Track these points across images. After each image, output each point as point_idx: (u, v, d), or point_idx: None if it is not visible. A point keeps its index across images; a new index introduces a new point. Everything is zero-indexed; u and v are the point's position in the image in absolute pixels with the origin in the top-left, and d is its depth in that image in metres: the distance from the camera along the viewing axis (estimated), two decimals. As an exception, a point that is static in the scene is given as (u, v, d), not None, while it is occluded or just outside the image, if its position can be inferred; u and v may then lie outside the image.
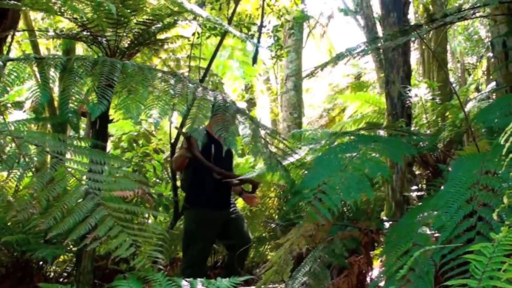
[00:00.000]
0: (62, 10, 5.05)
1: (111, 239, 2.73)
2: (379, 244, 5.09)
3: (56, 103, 9.25)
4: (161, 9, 5.12)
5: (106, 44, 5.34)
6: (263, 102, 22.99)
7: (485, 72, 14.81)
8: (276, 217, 8.86)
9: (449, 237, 2.64)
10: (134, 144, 9.07)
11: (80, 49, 11.31)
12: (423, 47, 13.12)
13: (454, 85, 15.18)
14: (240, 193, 6.35)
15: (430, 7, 13.38)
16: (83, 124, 8.25)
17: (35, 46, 9.76)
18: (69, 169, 2.96)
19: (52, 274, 6.93)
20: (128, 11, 5.00)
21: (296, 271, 4.49)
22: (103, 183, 2.95)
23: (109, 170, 3.21)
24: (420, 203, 5.87)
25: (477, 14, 5.37)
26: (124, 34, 5.32)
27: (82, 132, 8.33)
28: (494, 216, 2.47)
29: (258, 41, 9.55)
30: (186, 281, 2.87)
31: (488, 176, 2.84)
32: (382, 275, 3.28)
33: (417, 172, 8.13)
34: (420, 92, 9.92)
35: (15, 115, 9.05)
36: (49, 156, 3.09)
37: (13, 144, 3.05)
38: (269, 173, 6.11)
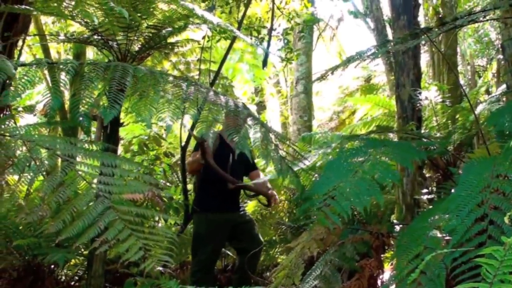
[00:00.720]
0: (73, 14, 5.07)
1: (120, 243, 2.74)
2: (390, 248, 5.08)
3: (67, 107, 9.28)
4: (172, 14, 5.14)
5: (117, 48, 5.36)
6: (273, 105, 23.03)
7: (495, 75, 14.75)
8: (287, 220, 8.84)
9: (460, 240, 2.64)
10: (145, 148, 9.10)
11: (90, 53, 11.35)
12: (433, 49, 13.10)
13: (464, 87, 15.12)
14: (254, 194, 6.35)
15: (440, 9, 13.35)
16: (93, 127, 8.28)
17: (45, 50, 9.78)
18: (80, 172, 2.97)
19: (63, 277, 6.94)
20: (139, 15, 5.02)
21: (307, 275, 4.49)
22: (113, 186, 2.96)
23: (120, 173, 3.22)
24: (430, 206, 5.86)
25: (488, 17, 5.35)
26: (135, 38, 5.34)
27: (93, 136, 8.35)
28: (506, 219, 2.47)
29: (268, 44, 9.55)
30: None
31: (499, 180, 2.83)
32: (393, 279, 3.28)
33: (427, 175, 8.11)
34: (430, 94, 9.91)
35: (26, 119, 9.08)
36: (59, 160, 3.10)
37: (24, 148, 3.07)
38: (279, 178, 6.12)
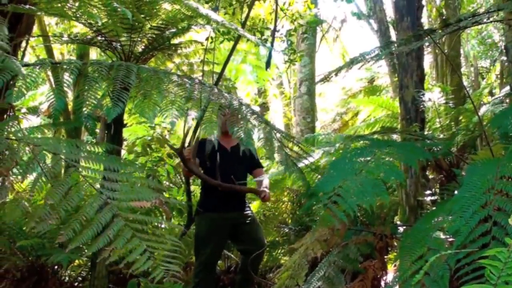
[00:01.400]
0: (77, 15, 5.07)
1: (129, 252, 2.74)
2: (393, 249, 5.08)
3: (70, 108, 9.29)
4: (176, 14, 5.14)
5: (121, 49, 5.36)
6: (276, 107, 23.01)
7: (499, 76, 14.74)
8: (289, 221, 8.84)
9: (464, 241, 2.63)
10: (148, 149, 9.10)
11: (94, 54, 11.36)
12: (437, 51, 13.10)
13: (467, 89, 15.11)
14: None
15: (443, 10, 13.35)
16: (96, 128, 8.28)
17: (49, 51, 9.81)
18: (87, 178, 2.98)
19: (67, 278, 6.95)
20: (143, 16, 5.03)
21: (311, 276, 4.49)
22: (121, 193, 2.96)
23: (127, 179, 3.22)
24: (434, 208, 5.85)
25: (491, 19, 5.35)
26: (138, 39, 5.34)
27: (97, 137, 8.35)
28: (510, 221, 2.46)
29: (272, 46, 9.55)
30: None
31: (503, 181, 2.83)
32: (396, 280, 3.28)
33: (430, 177, 8.11)
34: (433, 96, 9.90)
35: (30, 120, 9.09)
36: (62, 162, 3.11)
37: (27, 148, 3.07)
38: (283, 177, 6.11)
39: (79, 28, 7.51)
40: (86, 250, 6.38)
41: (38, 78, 3.20)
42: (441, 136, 9.36)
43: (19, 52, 5.98)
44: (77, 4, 4.87)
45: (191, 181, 7.78)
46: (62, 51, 12.75)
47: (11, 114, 5.31)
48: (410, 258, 2.97)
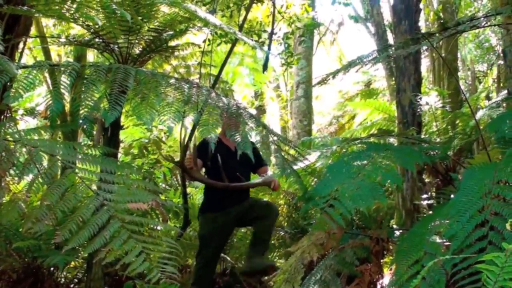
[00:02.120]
0: (75, 17, 5.07)
1: (125, 253, 2.74)
2: (389, 253, 5.08)
3: (67, 110, 9.28)
4: (174, 17, 5.14)
5: (118, 51, 5.36)
6: (273, 109, 23.01)
7: (496, 80, 14.78)
8: (285, 224, 8.84)
9: (460, 246, 2.64)
10: (145, 151, 9.10)
11: (91, 55, 11.35)
12: (434, 54, 13.11)
13: (464, 93, 15.13)
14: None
15: (441, 14, 13.37)
16: (93, 130, 8.27)
17: (46, 52, 9.78)
18: (83, 180, 2.98)
19: (63, 280, 6.94)
20: (141, 18, 5.03)
21: (307, 279, 4.49)
22: (117, 195, 2.96)
23: (124, 181, 3.22)
24: (430, 212, 5.86)
25: (489, 23, 5.36)
26: (136, 41, 5.34)
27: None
28: (507, 226, 2.47)
29: (269, 48, 9.55)
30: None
31: (500, 186, 2.83)
32: (392, 284, 3.28)
33: (426, 180, 8.11)
34: (430, 100, 9.91)
35: (26, 122, 9.07)
36: (59, 163, 3.10)
37: (24, 149, 3.07)
38: (279, 180, 6.11)
39: (76, 30, 7.51)
40: (82, 252, 6.39)
41: (36, 80, 3.19)
42: (438, 140, 9.37)
43: (16, 53, 5.97)
44: (74, 5, 4.87)
45: (187, 183, 7.78)
46: (60, 53, 12.72)
47: (8, 115, 5.30)
48: (406, 262, 2.97)
